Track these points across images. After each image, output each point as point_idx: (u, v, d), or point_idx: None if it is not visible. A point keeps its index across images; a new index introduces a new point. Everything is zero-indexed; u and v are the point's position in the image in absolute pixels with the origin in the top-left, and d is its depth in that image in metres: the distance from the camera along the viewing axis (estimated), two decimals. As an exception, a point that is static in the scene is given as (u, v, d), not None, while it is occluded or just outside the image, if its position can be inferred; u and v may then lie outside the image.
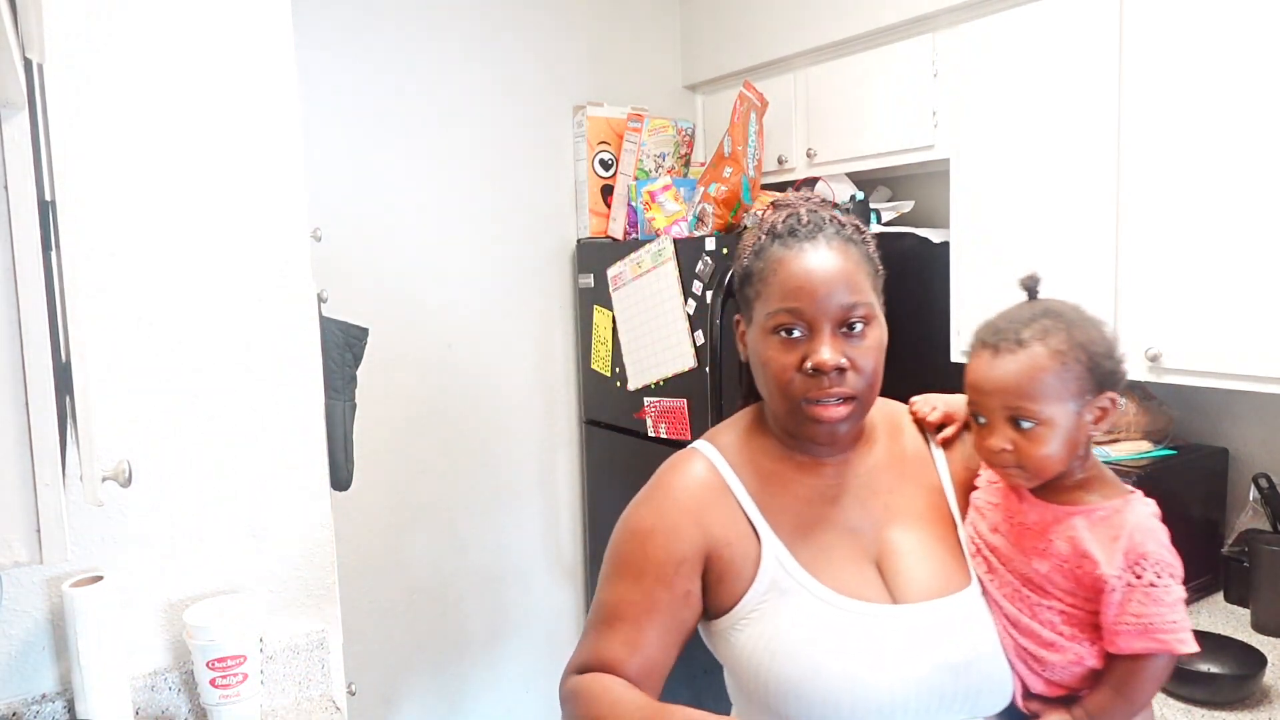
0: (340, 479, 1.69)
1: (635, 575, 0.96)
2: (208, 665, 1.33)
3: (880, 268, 1.01)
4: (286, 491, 1.48)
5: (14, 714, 1.29)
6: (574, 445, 2.68)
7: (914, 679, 0.89)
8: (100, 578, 1.29)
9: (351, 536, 2.27)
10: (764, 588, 0.94)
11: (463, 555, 2.50)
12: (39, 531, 0.80)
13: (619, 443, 2.47)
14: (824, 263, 0.93)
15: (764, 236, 0.97)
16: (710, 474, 0.99)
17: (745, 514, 0.96)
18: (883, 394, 1.00)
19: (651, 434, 2.32)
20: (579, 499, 2.69)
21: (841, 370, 0.91)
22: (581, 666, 0.95)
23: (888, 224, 2.24)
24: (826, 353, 0.90)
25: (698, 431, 2.17)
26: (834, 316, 0.92)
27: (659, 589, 0.94)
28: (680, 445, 2.29)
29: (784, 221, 0.97)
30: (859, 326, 0.93)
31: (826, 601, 0.92)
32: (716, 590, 0.96)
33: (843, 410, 0.93)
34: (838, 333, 0.92)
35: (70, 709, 1.31)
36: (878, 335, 0.96)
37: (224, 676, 1.33)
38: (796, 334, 0.92)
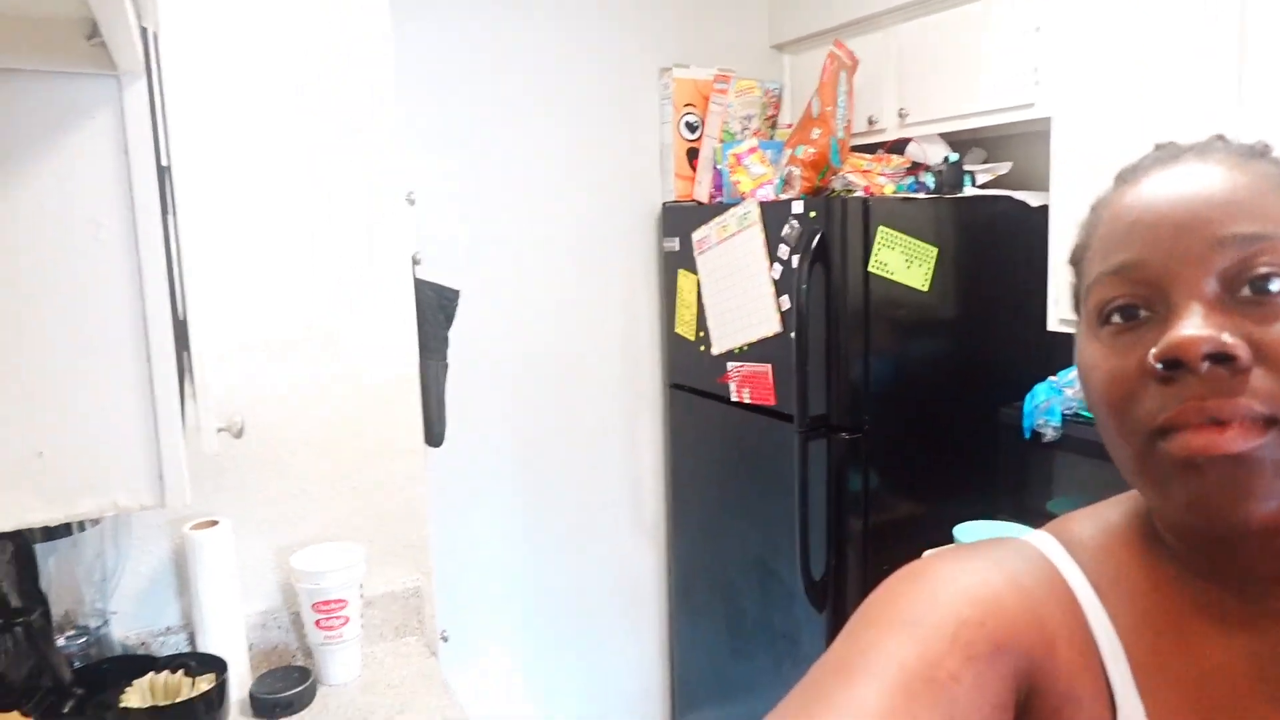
0: (434, 436, 1.75)
1: (904, 624, 0.49)
2: (313, 608, 1.41)
3: None
4: (384, 447, 1.55)
5: (143, 643, 1.40)
6: (657, 409, 2.71)
7: None
8: (216, 522, 1.38)
9: (444, 491, 2.35)
10: None
11: (549, 513, 2.57)
12: (162, 478, 0.87)
13: (702, 407, 2.49)
14: (1187, 183, 0.50)
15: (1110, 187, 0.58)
16: (1053, 575, 0.54)
17: (1104, 669, 0.51)
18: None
19: (734, 399, 2.32)
20: (662, 462, 2.73)
21: (1233, 360, 0.45)
22: None
23: (982, 187, 2.17)
24: (1192, 327, 0.46)
25: (782, 399, 2.17)
26: (1212, 266, 0.47)
27: (949, 655, 0.47)
28: (764, 411, 2.32)
29: (1139, 160, 0.57)
30: (1276, 283, 0.47)
31: None
32: None
33: (1248, 442, 0.45)
34: (1226, 299, 0.47)
35: (191, 641, 1.41)
36: None
37: (327, 619, 1.41)
38: (1141, 315, 0.49)
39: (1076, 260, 0.58)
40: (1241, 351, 0.45)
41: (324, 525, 1.52)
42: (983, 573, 0.53)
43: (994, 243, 2.09)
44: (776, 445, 2.16)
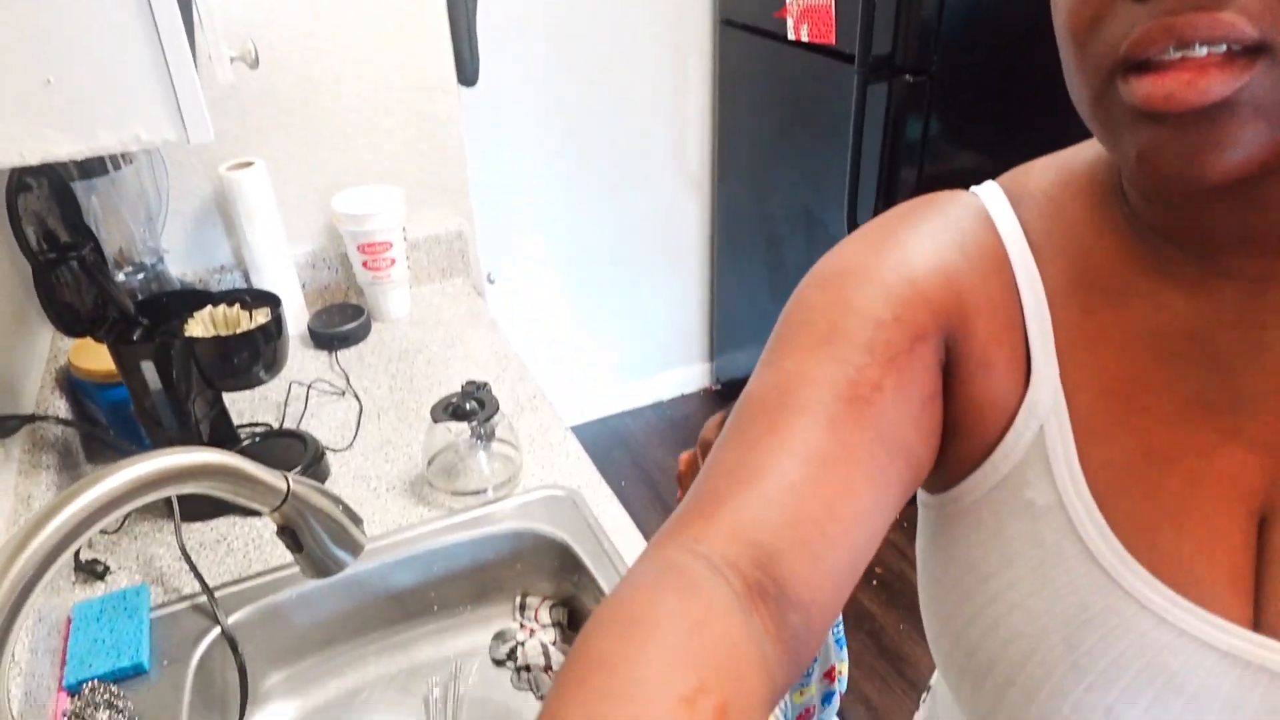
0: (466, 73, 1.66)
1: (821, 341, 0.46)
2: (359, 249, 1.43)
3: None
4: (414, 86, 1.47)
5: (200, 280, 1.45)
6: (706, 48, 2.52)
7: None
8: (252, 163, 1.36)
9: (483, 134, 2.29)
10: (999, 477, 0.48)
11: (591, 159, 2.51)
12: (180, 110, 0.83)
13: (755, 46, 2.31)
14: None
15: None
16: (986, 236, 0.50)
17: (1025, 334, 0.48)
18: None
19: (791, 36, 2.14)
20: (709, 107, 2.59)
21: None
22: (685, 538, 0.40)
23: None
24: None
25: (843, 38, 1.99)
26: None
27: (870, 366, 0.45)
28: (822, 51, 2.14)
29: None
30: None
31: (1116, 579, 0.45)
32: (951, 423, 0.50)
33: (1227, 86, 0.35)
34: None
35: (246, 279, 1.46)
36: None
37: (374, 260, 1.44)
38: None
39: None
40: None
41: (361, 167, 1.49)
42: (897, 254, 0.48)
43: None
44: (834, 89, 2.02)
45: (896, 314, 0.46)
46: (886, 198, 1.96)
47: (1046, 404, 0.47)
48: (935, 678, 0.77)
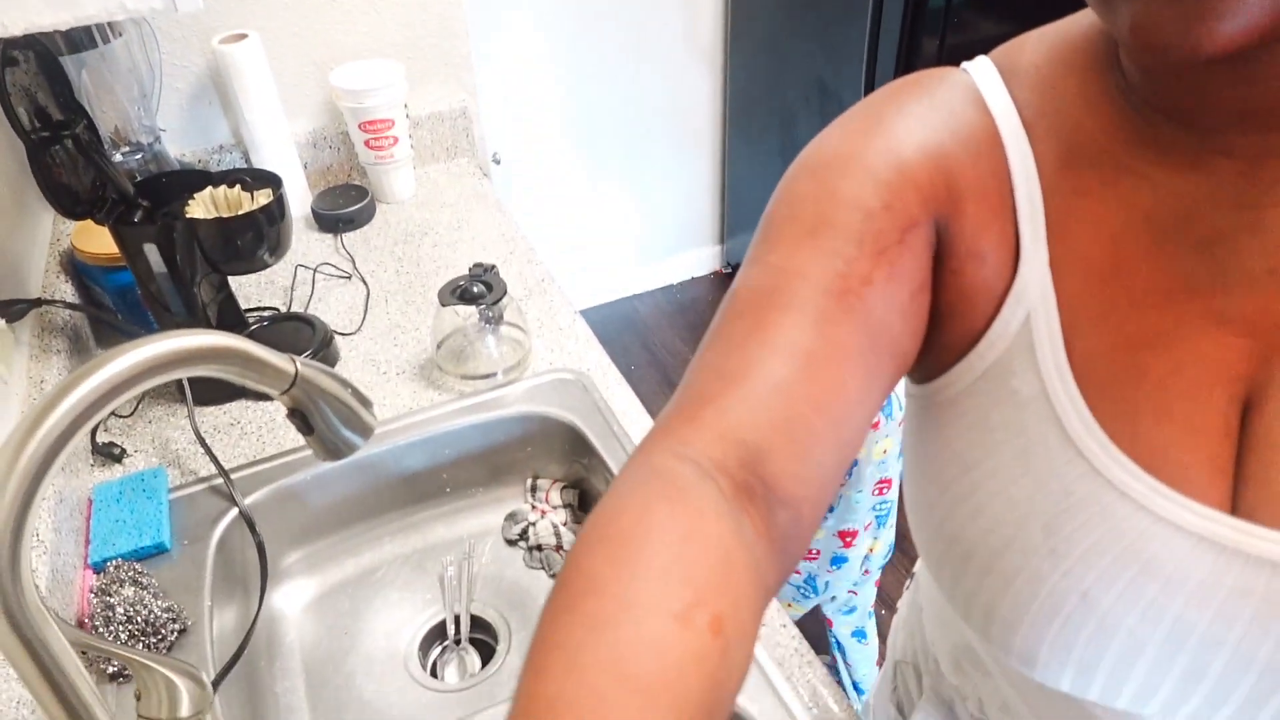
0: (467, -62, 1.57)
1: (807, 234, 0.45)
2: (360, 127, 1.39)
3: None
4: (412, -50, 1.40)
5: (200, 161, 1.42)
6: (720, -92, 2.38)
7: (1236, 660, 0.44)
8: (246, 35, 1.30)
9: (485, 6, 2.19)
10: (985, 366, 0.47)
11: (597, 32, 2.40)
12: (166, -23, 0.79)
13: (772, -95, 2.17)
14: None
15: None
16: (977, 115, 0.47)
17: (1015, 214, 0.46)
18: None
19: (810, -106, 2.01)
20: (723, -26, 2.47)
21: None
22: (672, 441, 0.40)
23: None
24: None
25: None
26: None
27: (859, 259, 0.44)
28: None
29: None
30: None
31: (1098, 468, 0.44)
32: (938, 311, 0.49)
33: None
34: None
35: (246, 159, 1.43)
36: None
37: (376, 139, 1.40)
38: None
39: None
40: None
41: (359, 40, 1.43)
42: (884, 139, 0.46)
43: None
44: (853, -47, 1.92)
45: (886, 203, 0.45)
46: (906, 70, 1.88)
47: (1035, 291, 0.46)
48: (919, 565, 0.78)
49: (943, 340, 0.49)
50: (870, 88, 1.92)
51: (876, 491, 1.39)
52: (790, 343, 0.42)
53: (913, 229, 0.45)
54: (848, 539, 1.44)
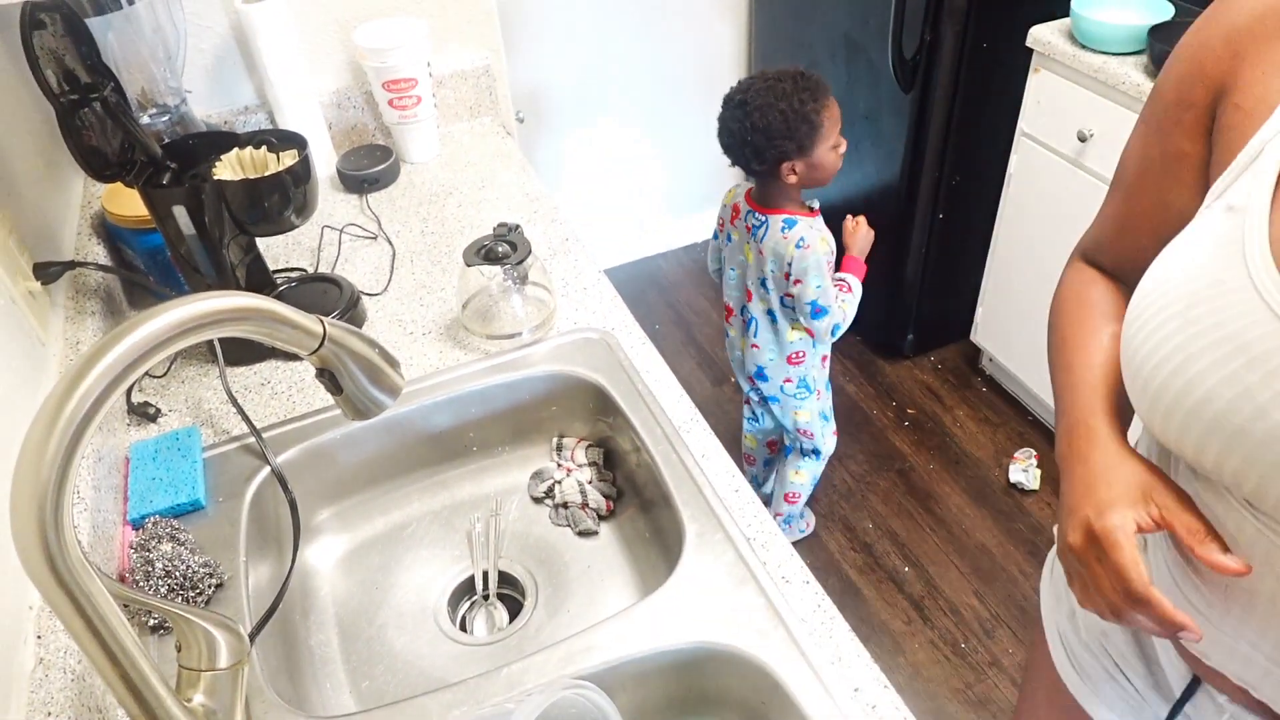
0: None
1: (1144, 118, 0.67)
2: (383, 86, 1.39)
3: None
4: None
5: (225, 122, 1.42)
6: None
7: None
8: (268, -5, 1.30)
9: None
10: (1221, 189, 0.56)
11: (623, -14, 2.37)
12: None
13: None
14: None
15: None
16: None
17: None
18: None
19: None
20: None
21: None
22: (1083, 246, 0.76)
23: None
24: None
25: None
26: None
27: (1155, 144, 0.65)
28: None
29: None
30: None
31: (1260, 290, 0.50)
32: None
33: None
34: None
35: (271, 120, 1.43)
36: None
37: (400, 99, 1.40)
38: None
39: None
40: None
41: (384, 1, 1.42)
42: (1204, 30, 0.60)
43: None
44: (882, -100, 1.86)
45: (1195, 75, 0.60)
46: (934, 24, 1.84)
47: (1274, 125, 0.54)
48: (1051, 555, 0.86)
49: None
50: (898, 42, 1.88)
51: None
52: (1151, 205, 0.68)
53: (1210, 96, 0.60)
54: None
